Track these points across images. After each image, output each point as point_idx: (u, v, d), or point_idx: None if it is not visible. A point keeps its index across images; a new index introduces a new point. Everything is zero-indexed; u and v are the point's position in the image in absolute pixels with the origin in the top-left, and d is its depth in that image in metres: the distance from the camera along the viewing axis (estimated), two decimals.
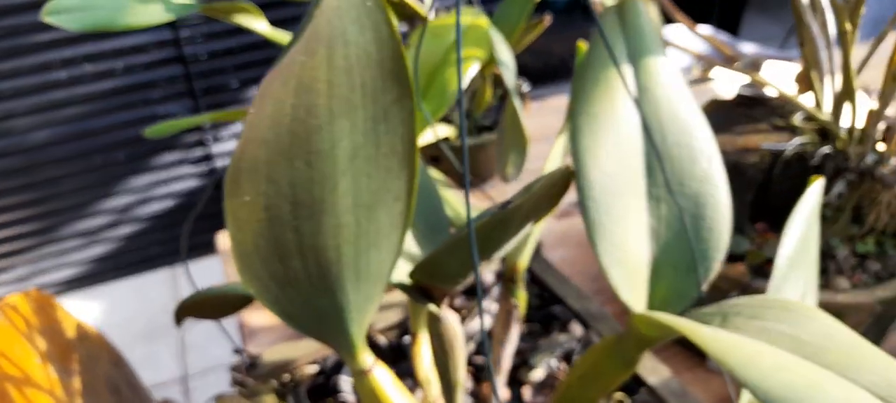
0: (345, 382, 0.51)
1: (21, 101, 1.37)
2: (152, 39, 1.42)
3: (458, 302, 0.58)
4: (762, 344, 0.26)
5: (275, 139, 0.23)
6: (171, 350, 1.49)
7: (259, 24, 0.61)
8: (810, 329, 0.27)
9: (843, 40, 0.48)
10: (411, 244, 0.40)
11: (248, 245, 0.25)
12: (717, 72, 0.66)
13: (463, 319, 0.56)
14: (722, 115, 0.61)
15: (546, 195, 0.34)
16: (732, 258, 0.54)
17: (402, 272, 0.38)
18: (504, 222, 0.34)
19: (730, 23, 2.12)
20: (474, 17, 0.51)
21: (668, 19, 0.91)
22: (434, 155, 0.77)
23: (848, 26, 0.48)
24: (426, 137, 0.72)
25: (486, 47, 0.49)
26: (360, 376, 0.31)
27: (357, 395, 0.51)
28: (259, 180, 0.23)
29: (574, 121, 0.33)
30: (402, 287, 0.38)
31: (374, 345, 0.55)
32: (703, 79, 0.70)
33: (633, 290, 0.32)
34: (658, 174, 0.33)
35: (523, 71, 1.15)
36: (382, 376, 0.31)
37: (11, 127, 1.39)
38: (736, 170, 0.54)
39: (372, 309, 0.31)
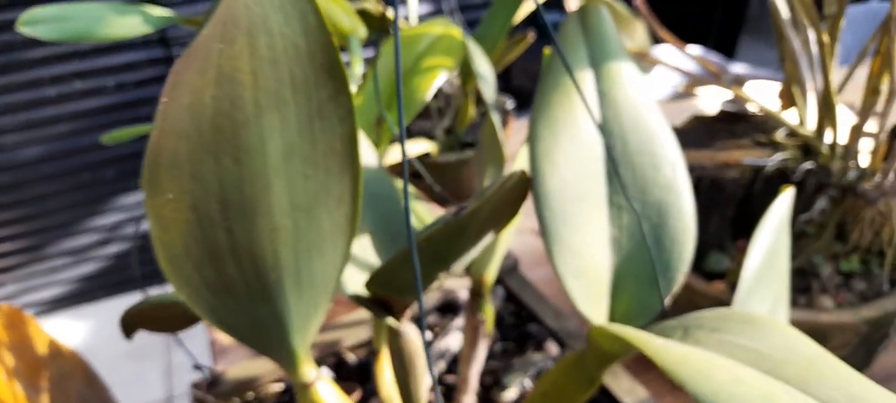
0: None
1: (10, 118, 1.37)
2: (144, 58, 1.42)
3: (431, 318, 0.56)
4: (718, 357, 0.25)
5: (197, 133, 0.21)
6: (158, 370, 1.47)
7: None
8: (771, 342, 0.26)
9: (823, 52, 0.47)
10: (371, 254, 0.39)
11: (177, 247, 0.24)
12: (702, 89, 0.65)
13: (435, 336, 0.54)
14: (703, 131, 0.60)
15: (504, 202, 0.33)
16: (713, 275, 0.53)
17: (358, 282, 0.37)
18: (460, 230, 0.32)
19: (726, 46, 2.13)
20: (446, 27, 0.51)
21: (656, 39, 0.91)
22: (417, 171, 0.76)
23: (826, 38, 0.47)
24: (409, 151, 0.71)
25: (456, 57, 0.48)
26: (302, 390, 0.29)
27: None
28: (182, 177, 0.22)
29: (533, 126, 0.32)
30: (358, 299, 0.36)
31: (342, 363, 0.54)
32: (688, 94, 0.69)
33: (593, 302, 0.31)
34: (621, 181, 0.32)
35: (516, 91, 1.15)
36: (325, 390, 0.30)
37: (0, 143, 1.39)
38: (716, 185, 0.52)
39: (317, 319, 0.30)
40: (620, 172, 0.32)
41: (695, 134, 0.60)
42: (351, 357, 0.54)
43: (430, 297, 0.57)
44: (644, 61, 0.89)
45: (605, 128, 0.33)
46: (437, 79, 0.46)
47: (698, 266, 0.53)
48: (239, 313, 0.28)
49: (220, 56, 0.20)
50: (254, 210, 0.25)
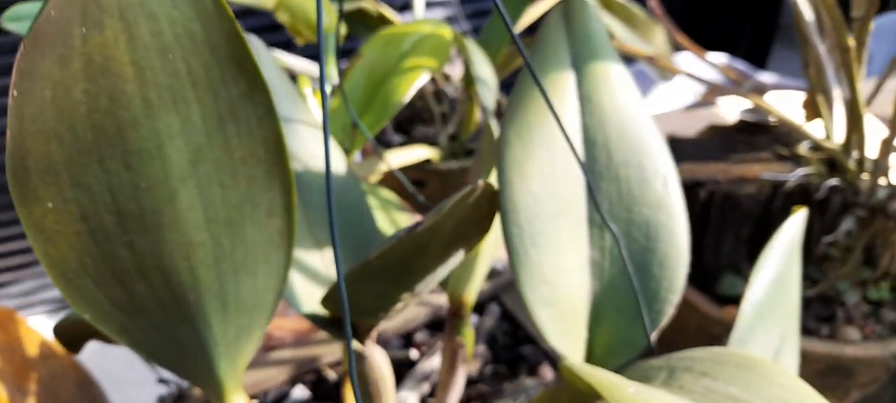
0: None
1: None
2: None
3: (420, 336, 0.53)
4: None
5: (70, 134, 0.18)
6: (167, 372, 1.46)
7: None
8: (768, 394, 0.22)
9: (848, 58, 0.43)
10: (331, 267, 0.35)
11: (70, 263, 0.21)
12: (721, 97, 0.61)
13: (421, 355, 0.51)
14: (719, 142, 0.55)
15: (470, 218, 0.29)
16: (726, 299, 0.48)
17: (317, 300, 0.33)
18: (420, 249, 0.29)
19: (757, 56, 2.05)
20: (435, 26, 0.47)
21: (676, 46, 0.86)
22: (418, 178, 0.73)
23: (852, 43, 0.42)
24: (406, 158, 0.67)
25: (441, 57, 0.44)
26: None
27: None
28: (61, 184, 0.19)
29: (503, 132, 0.28)
30: (314, 319, 0.33)
31: (321, 380, 0.50)
32: (706, 103, 0.64)
33: (567, 336, 0.27)
34: (602, 198, 0.28)
35: None
36: None
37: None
38: (730, 201, 0.48)
39: (249, 345, 0.26)
40: (603, 187, 0.28)
41: (710, 145, 0.55)
42: (331, 375, 0.51)
43: (419, 314, 0.53)
44: (663, 68, 0.85)
45: (587, 137, 0.29)
46: (418, 81, 0.42)
47: (710, 289, 0.49)
48: (156, 335, 0.24)
49: (85, 43, 0.17)
50: (158, 223, 0.21)
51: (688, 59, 0.91)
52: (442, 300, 0.55)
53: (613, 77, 0.30)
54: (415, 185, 0.73)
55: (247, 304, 0.25)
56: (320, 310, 0.33)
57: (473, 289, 0.38)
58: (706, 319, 0.46)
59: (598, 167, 0.28)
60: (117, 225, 0.21)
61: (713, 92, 0.61)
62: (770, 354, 0.27)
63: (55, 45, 0.17)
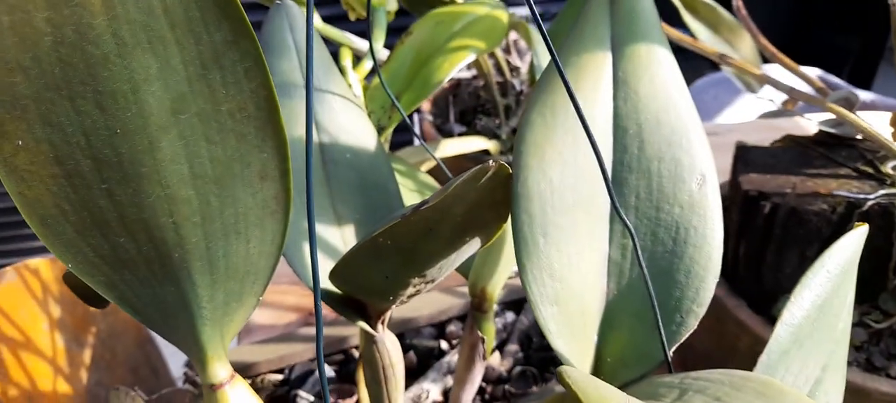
0: (303, 400, 0.45)
1: None
2: None
3: (453, 328, 0.51)
4: None
5: (35, 65, 0.18)
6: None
7: None
8: None
9: None
10: (351, 242, 0.34)
11: (48, 207, 0.21)
12: (803, 107, 0.56)
13: (451, 348, 0.49)
14: (795, 154, 0.51)
15: (484, 202, 0.27)
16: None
17: (324, 276, 0.32)
18: (427, 231, 0.27)
19: (862, 77, 1.91)
20: (492, 9, 0.45)
21: (765, 59, 0.81)
22: (466, 168, 0.71)
23: None
24: (461, 147, 0.66)
25: (493, 40, 0.42)
26: (209, 391, 0.25)
27: None
28: (31, 120, 0.18)
29: (527, 112, 0.26)
30: (325, 296, 0.32)
31: (348, 361, 0.49)
32: (785, 112, 0.59)
33: (573, 338, 0.25)
34: (629, 193, 0.26)
35: None
36: (237, 396, 0.25)
37: None
38: (796, 217, 0.44)
39: (239, 313, 0.25)
40: (631, 180, 0.26)
41: (783, 155, 0.51)
42: (357, 358, 0.50)
43: (453, 305, 0.51)
44: (745, 73, 0.79)
45: (617, 124, 0.26)
46: (462, 61, 0.40)
47: (766, 310, 0.45)
48: (141, 292, 0.24)
49: None
50: (137, 173, 0.21)
51: (777, 71, 0.86)
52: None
53: (656, 61, 0.27)
54: (443, 176, 0.71)
55: (238, 269, 0.24)
56: (331, 287, 0.32)
57: (498, 282, 0.36)
58: (759, 342, 0.42)
59: (627, 158, 0.26)
60: (94, 171, 0.20)
61: (794, 99, 0.56)
62: (806, 386, 0.24)
63: (32, 122, 0.16)
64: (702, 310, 0.24)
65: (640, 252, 0.23)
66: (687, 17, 0.81)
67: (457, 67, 0.40)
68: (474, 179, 0.24)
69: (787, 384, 0.23)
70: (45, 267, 0.73)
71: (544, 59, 0.51)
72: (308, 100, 0.20)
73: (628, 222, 0.23)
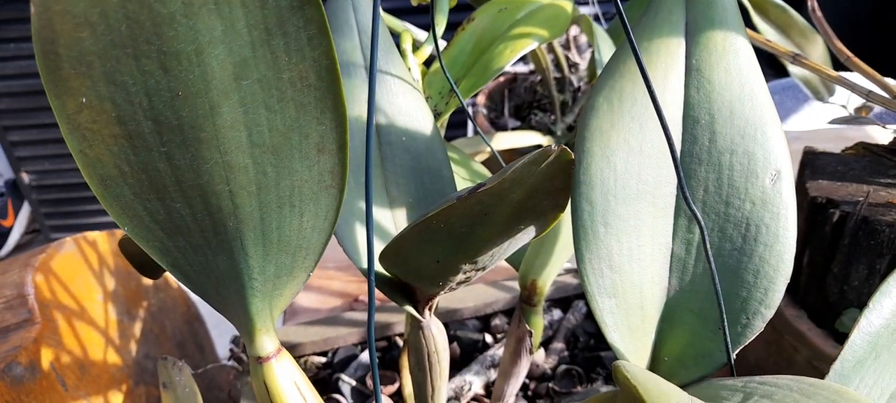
0: (346, 384, 0.45)
1: None
2: None
3: (497, 321, 0.50)
4: None
5: (102, 21, 0.18)
6: None
7: None
8: None
9: None
10: (403, 226, 0.33)
11: (108, 167, 0.21)
12: (879, 114, 0.53)
13: (496, 341, 0.48)
14: (868, 162, 0.48)
15: (543, 188, 0.26)
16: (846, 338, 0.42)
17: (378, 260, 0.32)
18: (482, 216, 0.26)
19: None
20: None
21: (838, 65, 0.77)
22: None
23: None
24: (515, 141, 0.65)
25: (556, 29, 0.41)
26: (256, 364, 0.25)
27: (354, 401, 0.45)
28: (95, 77, 0.18)
29: (592, 97, 0.25)
30: (377, 278, 0.31)
31: (391, 348, 0.49)
32: (858, 119, 0.57)
33: (630, 333, 0.24)
34: (697, 186, 0.25)
35: None
36: (282, 371, 0.25)
37: None
38: (867, 227, 0.41)
39: (289, 287, 0.25)
40: (700, 172, 0.25)
41: (855, 163, 0.48)
42: (400, 345, 0.49)
43: (498, 298, 0.51)
44: (821, 82, 0.76)
45: (688, 114, 0.25)
46: (525, 49, 0.39)
47: (829, 324, 0.43)
48: (194, 259, 0.24)
49: None
50: (196, 137, 0.21)
51: (852, 76, 0.82)
52: None
53: (732, 49, 0.25)
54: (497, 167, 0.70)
55: (290, 243, 0.24)
56: (381, 270, 0.31)
57: (549, 275, 0.35)
58: (818, 356, 0.40)
59: (697, 149, 0.25)
60: (155, 133, 0.20)
61: (868, 107, 0.53)
62: (881, 399, 0.22)
63: (96, 78, 0.16)
64: (770, 313, 0.23)
65: (708, 248, 0.22)
66: (756, 18, 0.78)
67: (519, 54, 0.39)
68: (535, 163, 0.24)
69: (861, 395, 0.21)
70: (103, 239, 0.75)
71: (607, 53, 0.49)
72: (371, 78, 0.20)
73: (699, 215, 0.22)
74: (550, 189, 0.26)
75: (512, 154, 0.69)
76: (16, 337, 0.58)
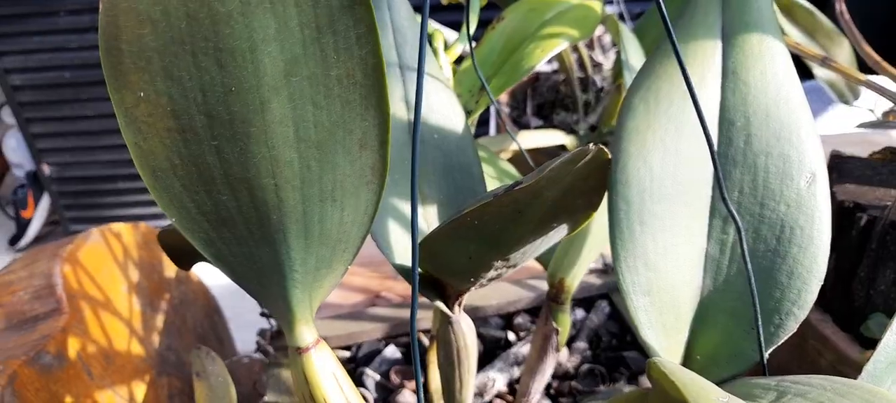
0: (369, 379, 0.46)
1: None
2: None
3: (520, 319, 0.50)
4: None
5: (164, 18, 0.18)
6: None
7: None
8: None
9: None
10: (434, 224, 0.34)
11: (160, 159, 0.21)
12: None
13: (519, 338, 0.49)
14: (894, 166, 0.48)
15: (577, 188, 0.26)
16: (872, 344, 0.42)
17: (407, 254, 0.32)
18: (516, 214, 0.27)
19: None
20: None
21: (865, 68, 0.77)
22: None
23: None
24: (539, 140, 0.65)
25: (585, 29, 0.41)
26: (295, 354, 0.26)
27: (378, 396, 0.45)
28: (154, 72, 0.19)
29: (629, 97, 0.26)
30: (404, 272, 0.32)
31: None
32: (885, 123, 0.56)
33: (663, 331, 0.24)
34: (733, 187, 0.25)
35: None
36: (321, 361, 0.26)
37: None
38: (893, 232, 0.41)
39: (328, 279, 0.26)
40: (736, 174, 0.25)
41: (883, 168, 0.48)
42: (424, 340, 0.50)
43: (522, 296, 0.51)
44: (848, 86, 0.76)
45: (724, 116, 0.25)
46: (555, 49, 0.40)
47: (854, 328, 0.43)
48: (238, 251, 0.24)
49: None
50: (245, 132, 0.21)
51: (878, 79, 0.81)
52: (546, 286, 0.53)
53: (768, 52, 0.26)
54: (526, 167, 0.71)
55: (330, 236, 0.25)
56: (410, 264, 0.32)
57: (577, 274, 0.36)
58: (842, 360, 0.40)
59: (732, 151, 0.25)
60: (207, 127, 0.21)
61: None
62: None
63: (153, 74, 0.17)
64: (803, 314, 0.23)
65: (745, 247, 0.22)
66: (782, 20, 0.78)
67: (549, 54, 0.39)
68: (571, 162, 0.24)
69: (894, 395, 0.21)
70: (127, 231, 0.76)
71: (632, 55, 0.50)
72: (419, 82, 0.20)
73: (736, 216, 0.22)
74: (585, 188, 0.26)
75: (535, 153, 0.69)
76: (44, 326, 0.59)
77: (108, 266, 0.70)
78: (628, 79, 0.49)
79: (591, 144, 0.24)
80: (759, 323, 0.23)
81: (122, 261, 0.73)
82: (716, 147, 0.25)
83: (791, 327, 0.23)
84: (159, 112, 0.20)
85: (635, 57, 0.50)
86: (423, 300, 0.50)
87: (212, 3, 0.18)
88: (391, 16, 0.35)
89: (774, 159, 0.24)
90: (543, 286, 0.52)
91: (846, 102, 0.93)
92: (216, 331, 0.88)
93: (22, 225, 1.83)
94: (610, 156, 0.25)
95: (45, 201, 1.82)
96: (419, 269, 0.32)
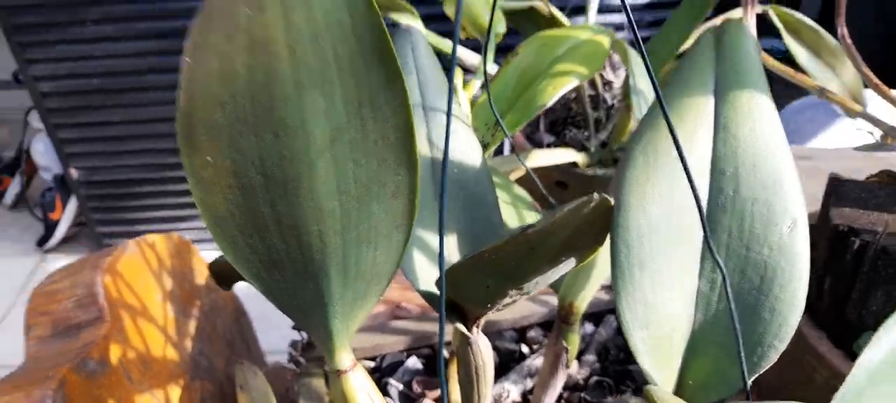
0: (393, 388, 0.49)
1: None
2: None
3: (533, 333, 0.54)
4: None
5: (231, 101, 0.22)
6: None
7: (414, 23, 0.62)
8: None
9: None
10: (454, 254, 0.37)
11: (221, 209, 0.25)
12: None
13: (532, 352, 0.52)
14: (890, 190, 0.51)
15: (584, 230, 0.30)
16: None
17: (432, 281, 0.36)
18: (530, 250, 0.30)
19: None
20: (594, 34, 0.47)
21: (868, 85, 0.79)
22: (560, 180, 0.73)
23: None
24: (551, 158, 0.68)
25: (593, 66, 0.44)
26: (335, 376, 0.29)
27: None
28: (220, 142, 0.23)
29: (630, 149, 0.29)
30: (427, 297, 0.35)
31: (435, 356, 0.53)
32: (886, 146, 0.59)
33: (659, 359, 0.27)
34: (722, 231, 0.28)
35: None
36: (358, 382, 0.29)
37: None
38: (886, 256, 0.44)
39: (363, 309, 0.29)
40: (724, 220, 0.28)
41: (880, 191, 0.51)
42: (444, 353, 0.53)
43: (534, 311, 0.54)
44: (849, 105, 0.78)
45: (716, 166, 0.29)
46: (565, 87, 0.43)
47: (847, 345, 0.45)
48: (284, 286, 0.28)
49: (249, 22, 0.20)
50: (296, 188, 0.24)
51: (875, 99, 0.83)
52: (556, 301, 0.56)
53: (757, 109, 0.29)
54: (557, 186, 0.74)
55: (365, 273, 0.28)
56: (435, 290, 0.35)
57: (585, 297, 0.39)
58: (836, 376, 0.43)
59: (722, 198, 0.28)
60: (263, 185, 0.24)
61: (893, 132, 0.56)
62: None
63: (223, 21, 0.20)
64: (783, 346, 0.26)
65: (729, 288, 0.25)
66: (787, 38, 0.80)
67: (560, 92, 0.42)
68: (578, 209, 0.27)
69: None
70: (161, 242, 0.80)
71: (640, 79, 0.53)
72: (447, 133, 0.23)
73: (720, 262, 0.26)
74: (591, 230, 0.30)
75: (548, 170, 0.72)
76: (86, 334, 0.63)
77: (144, 275, 0.74)
78: (636, 101, 0.52)
79: (595, 194, 0.27)
80: (743, 354, 0.26)
81: (156, 271, 0.77)
82: (707, 194, 0.28)
83: (772, 358, 0.26)
84: (223, 173, 0.24)
85: (642, 80, 0.53)
86: (448, 321, 0.53)
87: (270, 85, 0.22)
88: (415, 56, 0.39)
89: (760, 206, 0.28)
90: (554, 301, 0.55)
91: (852, 116, 0.95)
92: (244, 336, 0.92)
93: (50, 227, 1.88)
94: (613, 204, 0.28)
95: (72, 204, 1.88)
96: (439, 293, 0.36)
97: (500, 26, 0.49)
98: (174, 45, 1.51)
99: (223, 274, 0.38)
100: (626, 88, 0.72)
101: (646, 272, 0.27)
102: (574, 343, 0.39)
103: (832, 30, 0.75)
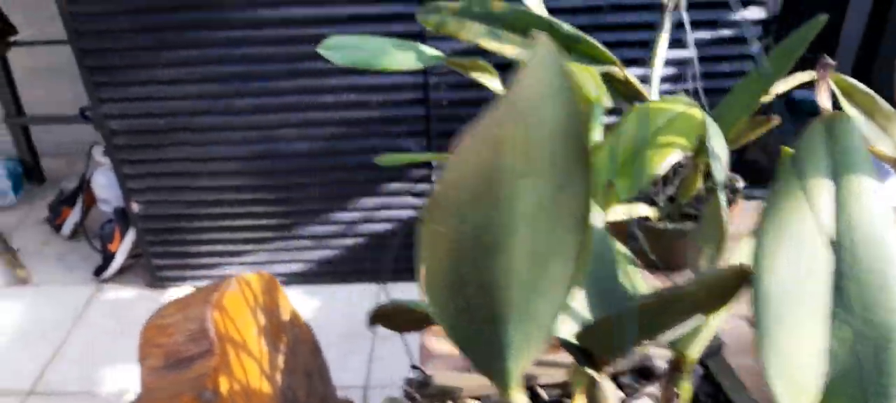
0: None
1: (294, 116, 1.63)
2: (406, 81, 1.59)
3: (626, 379, 0.58)
4: None
5: (472, 186, 0.27)
6: (361, 358, 1.62)
7: (493, 82, 0.68)
8: None
9: None
10: (582, 307, 0.42)
11: (436, 269, 0.30)
12: None
13: (627, 396, 0.56)
14: None
15: (718, 291, 0.35)
16: None
17: (568, 330, 0.40)
18: (665, 307, 0.35)
19: None
20: (687, 106, 0.53)
21: None
22: (633, 233, 0.78)
23: None
24: (628, 212, 0.73)
25: (692, 137, 0.50)
26: None
27: None
28: (452, 216, 0.28)
29: (762, 223, 0.34)
30: (565, 344, 0.40)
31: (535, 396, 0.58)
32: None
33: None
34: (846, 295, 0.33)
35: (750, 165, 1.11)
36: None
37: (283, 135, 1.65)
38: None
39: (532, 352, 0.34)
40: (845, 286, 0.33)
41: None
42: (543, 395, 0.58)
43: (627, 359, 0.59)
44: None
45: (836, 241, 0.33)
46: (671, 157, 0.48)
47: None
48: (471, 332, 0.33)
49: (473, 213, 0.26)
50: (497, 250, 0.30)
51: None
52: (648, 350, 0.60)
53: (867, 190, 0.34)
54: (629, 239, 0.79)
55: (536, 321, 0.33)
56: (571, 338, 0.40)
57: (697, 348, 0.43)
58: None
59: (843, 267, 0.33)
60: (472, 248, 0.30)
61: None
62: None
63: (452, 215, 0.26)
64: None
65: (861, 346, 0.30)
66: (843, 101, 0.85)
67: (667, 162, 0.48)
68: (722, 274, 0.32)
69: None
70: (256, 280, 0.86)
71: (715, 143, 0.58)
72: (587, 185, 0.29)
73: (853, 323, 0.30)
74: (724, 291, 0.35)
75: (622, 223, 0.77)
76: (198, 366, 0.69)
77: (243, 311, 0.80)
78: (714, 164, 0.57)
79: (737, 262, 0.32)
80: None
81: (252, 306, 0.83)
82: (832, 264, 0.33)
83: None
84: (446, 239, 0.29)
85: (717, 142, 0.58)
86: (548, 358, 0.58)
87: (497, 175, 0.27)
88: None
89: (876, 275, 0.32)
90: (644, 349, 0.59)
91: None
92: (320, 370, 0.97)
93: (107, 258, 1.96)
94: (749, 270, 0.33)
95: (130, 236, 1.95)
96: (577, 342, 0.41)
97: (606, 100, 0.55)
98: (226, 90, 1.60)
99: (385, 318, 0.44)
100: (697, 148, 0.77)
101: (783, 328, 0.32)
102: (686, 390, 0.44)
103: (866, 80, 0.80)
